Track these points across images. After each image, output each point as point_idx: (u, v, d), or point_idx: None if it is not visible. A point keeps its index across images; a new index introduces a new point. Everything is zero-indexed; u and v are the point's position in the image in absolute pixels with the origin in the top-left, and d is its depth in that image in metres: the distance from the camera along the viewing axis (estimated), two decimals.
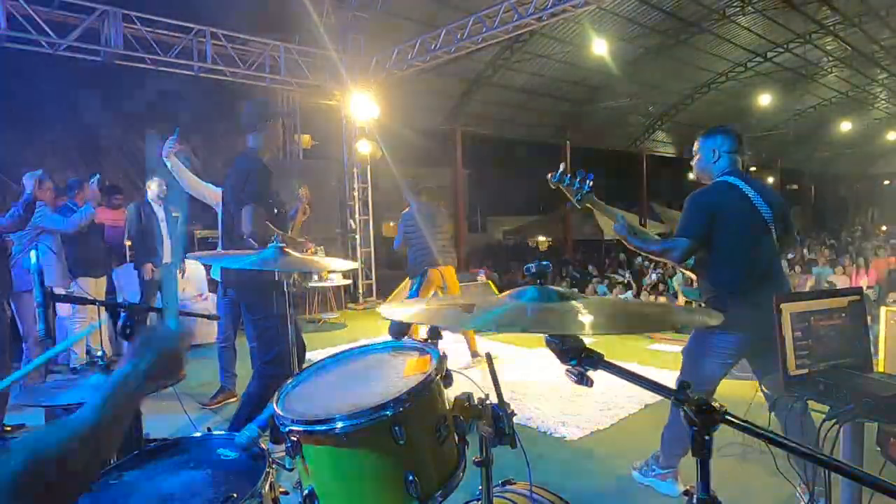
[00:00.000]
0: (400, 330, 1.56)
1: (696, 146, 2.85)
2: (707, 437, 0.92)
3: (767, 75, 16.73)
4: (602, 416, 4.03)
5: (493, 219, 23.35)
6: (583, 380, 1.06)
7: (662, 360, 5.31)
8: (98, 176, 5.35)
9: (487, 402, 1.32)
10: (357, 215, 10.06)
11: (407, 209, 5.55)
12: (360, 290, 9.91)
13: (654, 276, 12.35)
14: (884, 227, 21.77)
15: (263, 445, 1.53)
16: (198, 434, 1.71)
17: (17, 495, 0.75)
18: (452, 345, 5.96)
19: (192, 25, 7.48)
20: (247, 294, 3.23)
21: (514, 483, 1.70)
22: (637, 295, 11.11)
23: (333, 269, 2.58)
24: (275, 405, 1.38)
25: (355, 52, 9.38)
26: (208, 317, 4.23)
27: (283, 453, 1.38)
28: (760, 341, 2.60)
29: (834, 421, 1.71)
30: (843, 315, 2.01)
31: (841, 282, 10.19)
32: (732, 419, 0.92)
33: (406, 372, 1.42)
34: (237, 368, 4.57)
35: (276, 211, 3.26)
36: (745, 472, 3.07)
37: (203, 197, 4.42)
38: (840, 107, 21.56)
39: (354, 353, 1.65)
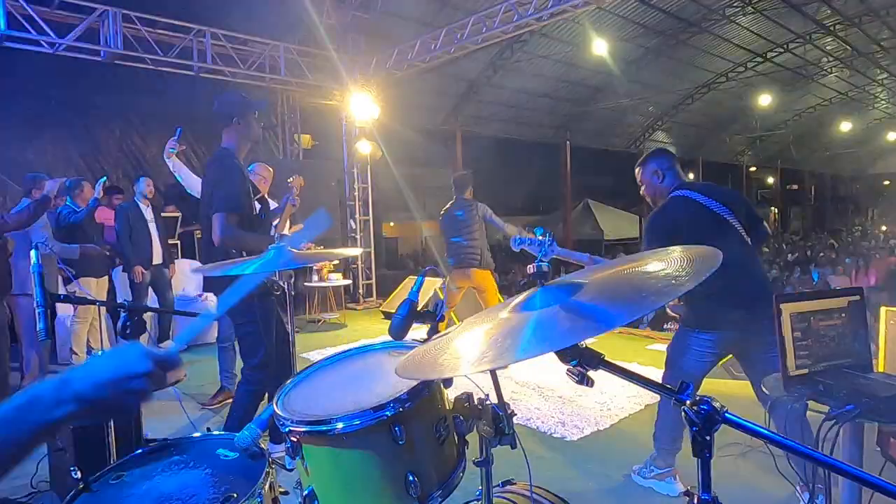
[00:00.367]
0: (400, 330, 1.56)
1: (638, 177, 2.93)
2: (707, 438, 0.92)
3: (767, 75, 16.73)
4: (602, 416, 4.03)
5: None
6: (583, 380, 1.06)
7: (662, 360, 5.31)
8: (105, 179, 5.35)
9: (487, 402, 1.32)
10: (357, 215, 10.05)
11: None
12: (360, 290, 9.91)
13: None
14: (884, 227, 21.78)
15: (263, 445, 1.53)
16: (198, 434, 1.72)
17: None
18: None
19: (192, 25, 7.48)
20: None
21: (514, 483, 1.70)
22: None
23: (336, 254, 2.47)
24: (275, 405, 1.38)
25: (355, 52, 9.37)
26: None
27: (283, 453, 1.38)
28: (740, 340, 2.63)
29: (834, 421, 1.71)
30: (843, 315, 2.01)
31: (841, 282, 10.19)
32: (733, 419, 0.92)
33: None
34: (237, 369, 4.56)
35: (255, 211, 3.13)
36: (745, 472, 3.07)
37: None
38: (840, 107, 21.57)
39: (354, 353, 1.65)
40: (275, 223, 3.77)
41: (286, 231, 4.64)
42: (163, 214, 7.74)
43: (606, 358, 1.06)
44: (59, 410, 0.78)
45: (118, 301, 5.75)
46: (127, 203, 6.08)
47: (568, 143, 17.18)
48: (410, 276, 9.06)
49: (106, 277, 5.82)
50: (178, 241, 8.03)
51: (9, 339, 4.02)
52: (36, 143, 7.47)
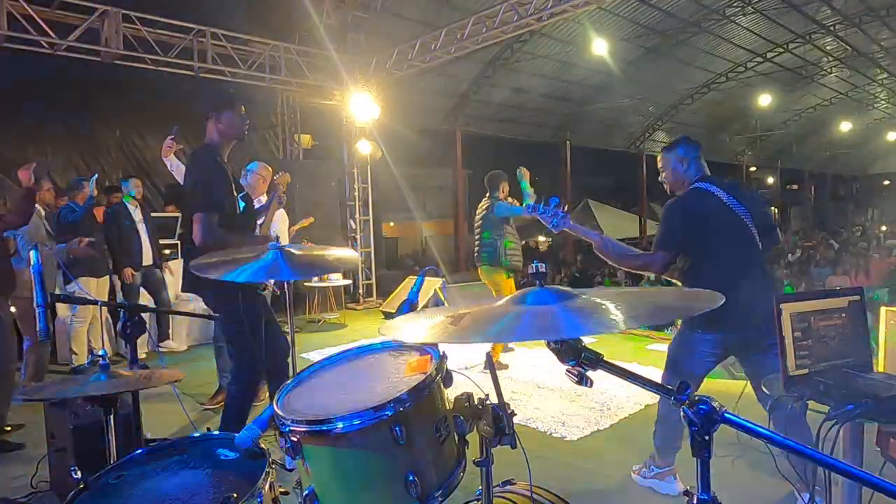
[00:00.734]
0: None
1: (661, 162, 2.88)
2: (707, 438, 0.92)
3: (767, 75, 16.74)
4: (602, 416, 4.03)
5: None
6: (583, 380, 1.06)
7: (662, 360, 5.30)
8: (96, 176, 5.35)
9: (487, 402, 1.32)
10: (357, 215, 10.05)
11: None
12: (360, 290, 9.91)
13: (652, 276, 12.33)
14: (884, 227, 21.78)
15: (263, 445, 1.53)
16: (198, 434, 1.72)
17: None
18: (452, 345, 5.96)
19: (192, 25, 7.48)
20: (210, 299, 3.11)
21: (515, 483, 1.70)
22: None
23: (331, 259, 2.42)
24: (275, 405, 1.38)
25: (355, 52, 9.37)
26: (208, 317, 4.23)
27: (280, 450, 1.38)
28: (742, 341, 2.63)
29: (834, 421, 1.71)
30: (843, 315, 2.01)
31: (841, 282, 10.18)
32: (732, 419, 0.92)
33: (406, 372, 1.42)
34: None
35: (242, 207, 3.10)
36: (745, 472, 3.07)
37: None
38: (840, 107, 21.58)
39: (354, 353, 1.65)
40: (260, 221, 3.76)
41: (279, 229, 4.64)
42: (161, 214, 7.76)
43: (606, 358, 1.06)
44: None
45: (118, 301, 5.77)
46: (115, 204, 6.05)
47: (568, 143, 17.18)
48: (410, 276, 9.06)
49: (106, 277, 5.81)
50: (179, 242, 8.03)
51: (15, 338, 4.02)
52: (36, 143, 7.47)
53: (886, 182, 33.08)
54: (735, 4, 12.77)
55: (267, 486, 1.41)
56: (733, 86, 17.31)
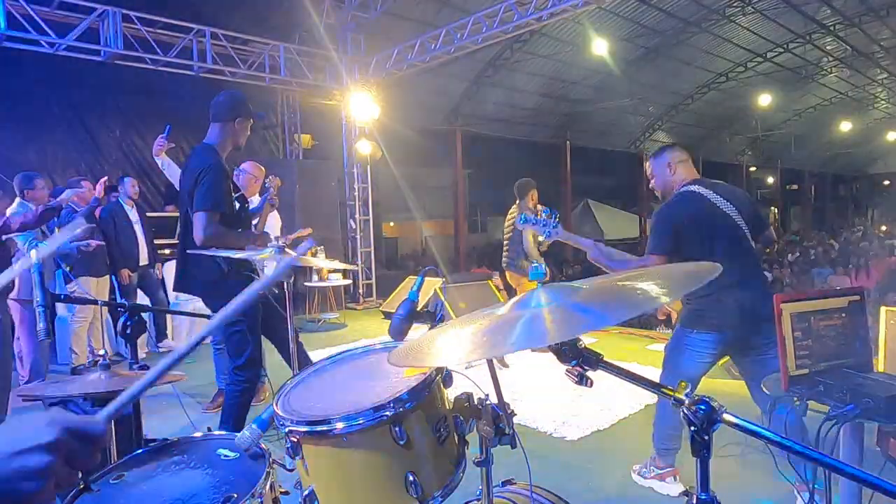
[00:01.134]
0: (400, 330, 1.56)
1: (648, 169, 2.91)
2: (706, 437, 0.92)
3: (767, 75, 16.74)
4: (602, 416, 4.03)
5: (493, 219, 23.37)
6: (583, 380, 1.06)
7: (662, 360, 5.32)
8: (105, 178, 5.35)
9: (487, 402, 1.32)
10: (357, 215, 10.05)
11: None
12: (360, 290, 9.91)
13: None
14: (884, 227, 21.79)
15: (263, 446, 1.53)
16: (198, 434, 1.72)
17: None
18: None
19: (192, 25, 7.48)
20: (210, 299, 3.13)
21: (515, 483, 1.70)
22: None
23: (328, 268, 2.42)
24: (275, 405, 1.39)
25: (355, 52, 9.38)
26: (207, 317, 4.24)
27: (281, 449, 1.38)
28: (738, 341, 2.63)
29: (834, 421, 1.71)
30: (843, 315, 2.01)
31: (841, 282, 10.19)
32: (732, 419, 0.92)
33: (406, 372, 1.42)
34: None
35: (237, 208, 3.11)
36: (745, 472, 3.07)
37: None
38: (840, 107, 21.58)
39: (354, 353, 1.65)
40: (254, 222, 3.78)
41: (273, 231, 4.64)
42: (161, 214, 7.76)
43: (605, 358, 1.06)
44: None
45: (118, 301, 5.76)
46: (111, 204, 6.05)
47: (568, 143, 17.19)
48: (410, 276, 9.06)
49: (106, 277, 5.81)
50: (178, 241, 8.04)
51: (10, 339, 4.02)
52: (36, 143, 7.46)
53: (886, 182, 33.09)
54: (735, 4, 12.77)
55: (267, 487, 1.41)
56: (733, 86, 17.32)
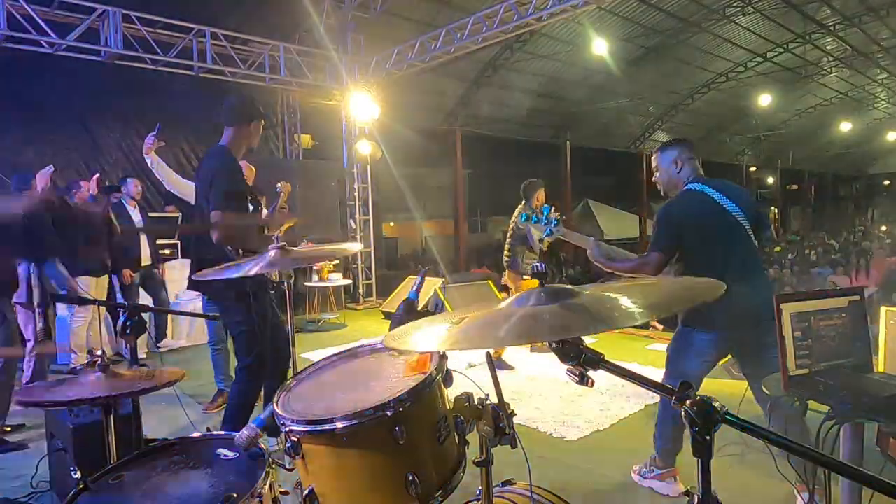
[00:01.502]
0: None
1: (654, 162, 2.88)
2: (707, 438, 0.92)
3: (767, 75, 16.74)
4: (602, 416, 4.03)
5: (493, 219, 23.36)
6: (583, 380, 1.06)
7: (662, 360, 5.31)
8: (97, 175, 5.35)
9: (487, 402, 1.32)
10: (357, 215, 10.05)
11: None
12: (360, 290, 9.91)
13: None
14: (884, 227, 21.79)
15: (263, 446, 1.53)
16: (198, 434, 1.72)
17: None
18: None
19: (192, 25, 7.48)
20: (220, 298, 3.14)
21: (515, 483, 1.70)
22: None
23: (335, 252, 2.45)
24: (275, 405, 1.38)
25: (355, 52, 9.37)
26: (207, 317, 4.25)
27: (280, 448, 1.38)
28: (740, 340, 2.63)
29: (834, 421, 1.71)
30: (843, 315, 2.01)
31: (841, 282, 10.19)
32: (732, 419, 0.92)
33: (406, 372, 1.42)
34: (232, 369, 4.55)
35: (252, 208, 3.16)
36: (745, 472, 3.07)
37: (184, 195, 4.42)
38: (840, 107, 21.59)
39: (354, 353, 1.65)
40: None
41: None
42: (161, 214, 7.76)
43: (606, 358, 1.06)
44: None
45: (118, 301, 5.77)
46: (114, 204, 6.05)
47: (568, 143, 17.18)
48: (410, 276, 9.06)
49: (105, 277, 5.81)
50: (178, 242, 8.03)
51: (15, 338, 4.01)
52: (36, 143, 7.46)
53: (886, 182, 33.11)
54: (735, 4, 12.77)
55: (267, 486, 1.41)
56: (733, 86, 17.31)
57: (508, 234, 5.52)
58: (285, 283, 2.38)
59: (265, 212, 4.03)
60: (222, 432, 1.72)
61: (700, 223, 2.63)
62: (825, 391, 1.82)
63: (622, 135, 18.96)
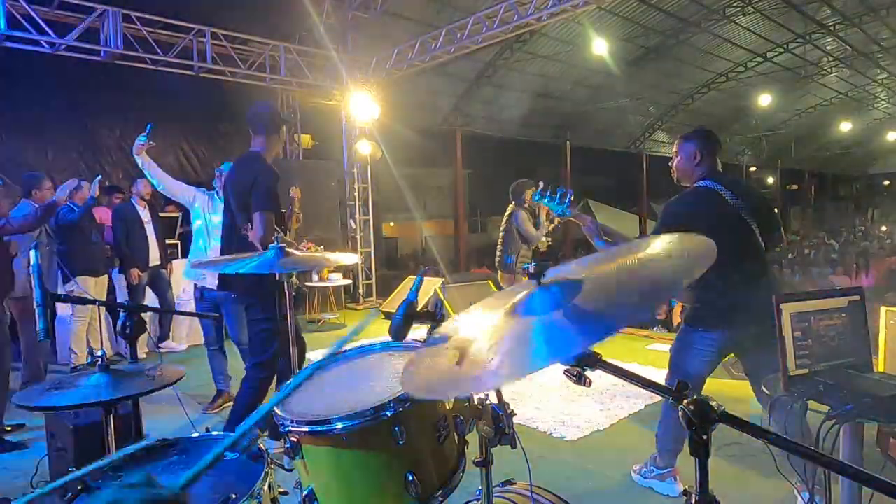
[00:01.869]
0: (400, 330, 1.56)
1: (675, 147, 2.87)
2: (705, 437, 0.92)
3: (767, 75, 16.74)
4: (602, 416, 4.03)
5: (493, 219, 23.37)
6: (581, 379, 1.06)
7: (662, 360, 5.30)
8: (99, 177, 5.36)
9: (487, 402, 1.32)
10: (357, 215, 10.05)
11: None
12: (360, 290, 9.91)
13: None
14: (884, 227, 21.78)
15: (262, 446, 1.53)
16: (197, 434, 1.72)
17: None
18: None
19: (192, 25, 7.48)
20: (247, 295, 3.21)
21: (515, 483, 1.70)
22: None
23: (335, 262, 2.52)
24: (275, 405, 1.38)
25: (355, 52, 9.37)
26: (207, 316, 4.25)
27: (281, 450, 1.38)
28: (742, 339, 2.63)
29: (834, 421, 1.71)
30: (843, 315, 2.01)
31: (841, 282, 10.19)
32: (731, 419, 0.92)
33: None
34: (231, 370, 4.56)
35: (281, 212, 3.31)
36: (744, 472, 3.07)
37: (174, 195, 4.43)
38: (840, 107, 21.57)
39: (354, 353, 1.65)
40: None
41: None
42: (161, 214, 7.76)
43: (605, 358, 1.06)
44: None
45: (118, 300, 5.78)
46: (123, 204, 6.07)
47: (568, 143, 17.18)
48: (410, 276, 9.06)
49: (105, 276, 5.81)
50: (178, 242, 8.04)
51: (9, 339, 4.02)
52: (36, 143, 7.46)
53: (886, 182, 33.11)
54: (735, 4, 12.76)
55: (266, 486, 1.41)
56: (733, 86, 17.30)
57: (501, 233, 5.52)
58: (285, 284, 2.38)
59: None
60: (222, 432, 1.72)
61: (706, 221, 2.61)
62: (825, 391, 1.82)
63: (622, 135, 18.95)
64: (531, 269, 1.11)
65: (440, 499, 1.32)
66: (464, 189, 15.52)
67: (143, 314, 2.19)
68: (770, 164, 27.00)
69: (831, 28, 14.22)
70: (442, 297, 7.27)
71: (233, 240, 3.22)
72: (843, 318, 2.01)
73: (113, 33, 6.79)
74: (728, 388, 4.27)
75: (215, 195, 4.33)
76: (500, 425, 1.29)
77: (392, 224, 19.93)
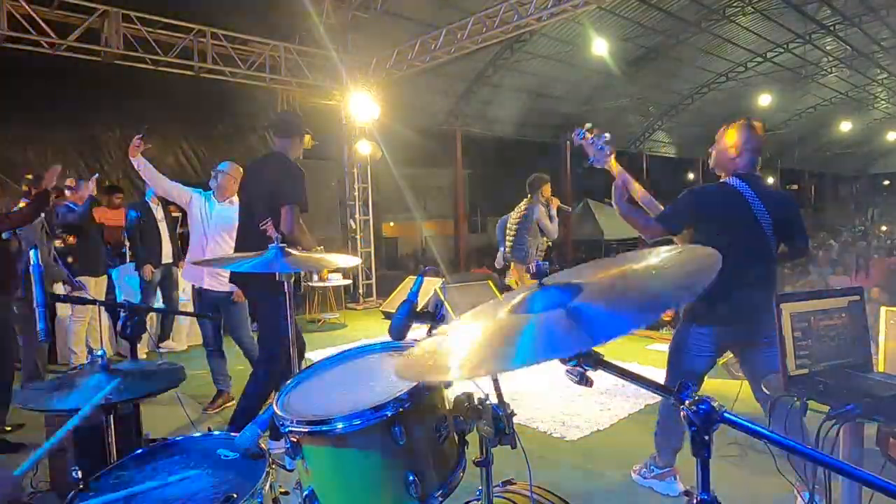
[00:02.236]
0: (400, 330, 1.56)
1: (720, 134, 2.80)
2: (706, 437, 0.92)
3: (767, 75, 16.74)
4: (602, 416, 4.03)
5: (493, 219, 23.36)
6: (582, 380, 1.06)
7: (662, 360, 5.30)
8: (97, 175, 5.37)
9: (487, 402, 1.32)
10: (357, 215, 10.05)
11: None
12: (360, 290, 9.91)
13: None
14: (884, 227, 21.78)
15: (263, 445, 1.53)
16: (198, 434, 1.72)
17: None
18: None
19: (192, 25, 7.48)
20: (256, 290, 3.28)
21: (515, 483, 1.70)
22: None
23: (337, 265, 2.56)
24: (275, 405, 1.38)
25: (355, 52, 9.37)
26: (208, 316, 4.26)
27: (283, 451, 1.38)
28: (739, 338, 2.63)
29: (834, 421, 1.71)
30: (843, 315, 2.01)
31: (841, 282, 10.18)
32: (732, 419, 0.92)
33: None
34: (231, 369, 4.56)
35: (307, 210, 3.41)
36: (745, 472, 3.07)
37: (170, 196, 4.44)
38: (840, 107, 21.58)
39: (354, 353, 1.65)
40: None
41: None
42: None
43: (605, 358, 1.06)
44: None
45: (117, 300, 5.77)
46: (138, 202, 6.15)
47: (568, 142, 17.16)
48: (410, 276, 9.05)
49: (104, 276, 5.82)
50: (178, 241, 8.05)
51: (15, 338, 4.02)
52: (36, 143, 7.46)
53: (886, 182, 33.11)
54: (735, 4, 12.77)
55: (267, 486, 1.41)
56: (733, 86, 17.31)
57: (514, 225, 5.52)
58: (285, 284, 2.38)
59: (228, 206, 4.17)
60: (222, 432, 1.72)
61: (718, 219, 2.61)
62: (825, 391, 1.82)
63: (622, 135, 18.95)
64: (542, 269, 1.14)
65: (440, 499, 1.32)
66: (464, 189, 15.52)
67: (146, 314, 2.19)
68: (770, 164, 26.97)
69: (831, 28, 14.22)
70: (442, 297, 7.26)
71: (248, 238, 3.29)
72: (843, 318, 2.01)
73: (113, 33, 6.79)
74: (728, 388, 4.26)
75: (212, 196, 4.33)
76: (500, 425, 1.29)
77: (392, 224, 19.91)
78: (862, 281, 10.22)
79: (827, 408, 1.76)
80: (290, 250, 2.19)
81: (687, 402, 0.93)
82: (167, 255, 6.07)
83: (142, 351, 5.69)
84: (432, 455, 1.34)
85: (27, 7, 6.25)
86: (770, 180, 28.54)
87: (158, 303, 6.11)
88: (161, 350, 6.20)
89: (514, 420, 1.32)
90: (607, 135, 2.84)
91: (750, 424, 0.92)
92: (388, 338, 1.58)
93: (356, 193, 10.07)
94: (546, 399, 4.42)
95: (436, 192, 19.16)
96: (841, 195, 34.55)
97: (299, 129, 3.52)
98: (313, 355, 5.73)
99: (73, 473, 1.46)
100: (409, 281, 8.37)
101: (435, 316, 1.47)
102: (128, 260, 6.14)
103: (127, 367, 1.95)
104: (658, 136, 19.64)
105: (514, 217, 5.59)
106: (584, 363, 1.05)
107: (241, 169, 4.60)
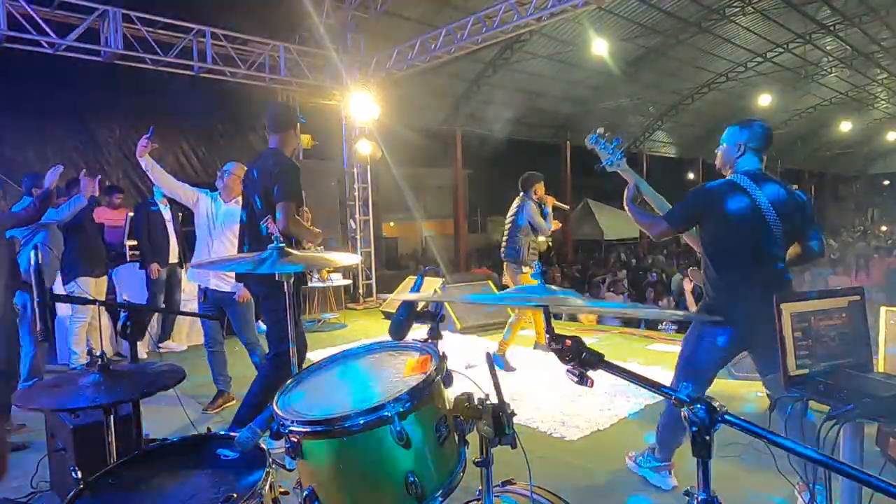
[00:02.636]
0: (400, 330, 1.56)
1: (724, 134, 2.81)
2: (707, 438, 0.92)
3: (767, 75, 16.75)
4: (602, 416, 4.03)
5: (493, 219, 23.35)
6: (583, 380, 1.06)
7: (662, 360, 5.31)
8: (98, 177, 5.36)
9: (487, 402, 1.32)
10: (357, 215, 10.05)
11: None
12: (360, 290, 9.91)
13: (653, 276, 12.36)
14: (884, 227, 21.79)
15: (263, 445, 1.53)
16: (197, 434, 1.72)
17: None
18: (452, 345, 5.95)
19: (192, 25, 7.48)
20: (263, 286, 3.28)
21: (515, 483, 1.70)
22: (637, 297, 11.07)
23: (337, 263, 2.56)
24: (274, 405, 1.39)
25: (355, 52, 9.37)
26: (209, 317, 4.26)
27: (282, 450, 1.38)
28: (752, 338, 2.62)
29: (834, 421, 1.71)
30: (843, 315, 2.01)
31: (841, 282, 10.18)
32: (732, 419, 0.92)
33: (406, 372, 1.42)
34: (231, 370, 4.55)
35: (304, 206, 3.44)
36: (745, 472, 3.07)
37: (178, 196, 4.44)
38: (840, 107, 21.59)
39: (354, 353, 1.65)
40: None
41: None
42: None
43: (606, 358, 1.06)
44: None
45: (118, 300, 5.78)
46: (146, 201, 6.16)
47: (568, 142, 17.19)
48: (410, 276, 9.05)
49: (105, 277, 5.81)
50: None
51: (18, 337, 4.02)
52: (36, 143, 7.46)
53: (886, 182, 33.11)
54: (735, 4, 12.78)
55: (267, 486, 1.41)
56: (733, 86, 17.32)
57: (507, 224, 5.46)
58: (285, 284, 2.37)
59: (234, 205, 4.18)
60: (222, 432, 1.72)
61: (724, 218, 2.60)
62: (825, 391, 1.82)
63: (622, 135, 18.95)
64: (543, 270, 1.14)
65: (440, 499, 1.32)
66: (464, 189, 15.53)
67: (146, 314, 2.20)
68: (770, 165, 26.87)
69: (831, 28, 14.23)
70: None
71: (252, 237, 3.31)
72: (843, 318, 2.01)
73: (113, 33, 6.79)
74: (728, 388, 4.27)
75: (218, 196, 4.34)
76: (500, 425, 1.29)
77: (392, 224, 19.92)
78: (862, 281, 10.22)
79: (827, 408, 1.76)
80: (288, 250, 2.18)
81: (688, 402, 0.93)
82: (174, 254, 6.10)
83: (142, 351, 5.69)
84: (432, 455, 1.34)
85: (27, 7, 6.25)
86: None
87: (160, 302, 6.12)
88: (161, 350, 6.20)
89: (514, 420, 1.32)
90: (621, 138, 2.86)
91: (750, 424, 0.92)
92: (388, 338, 1.59)
93: (356, 193, 10.07)
94: (546, 399, 4.42)
95: (435, 192, 19.17)
96: (841, 195, 34.55)
97: (292, 122, 3.45)
98: (313, 355, 5.73)
99: (73, 473, 1.46)
100: (409, 281, 8.37)
101: (435, 316, 1.47)
102: (128, 259, 6.15)
103: (127, 367, 1.95)
104: (658, 136, 19.64)
105: (508, 216, 5.56)
106: (584, 363, 1.05)
107: (245, 168, 4.62)
